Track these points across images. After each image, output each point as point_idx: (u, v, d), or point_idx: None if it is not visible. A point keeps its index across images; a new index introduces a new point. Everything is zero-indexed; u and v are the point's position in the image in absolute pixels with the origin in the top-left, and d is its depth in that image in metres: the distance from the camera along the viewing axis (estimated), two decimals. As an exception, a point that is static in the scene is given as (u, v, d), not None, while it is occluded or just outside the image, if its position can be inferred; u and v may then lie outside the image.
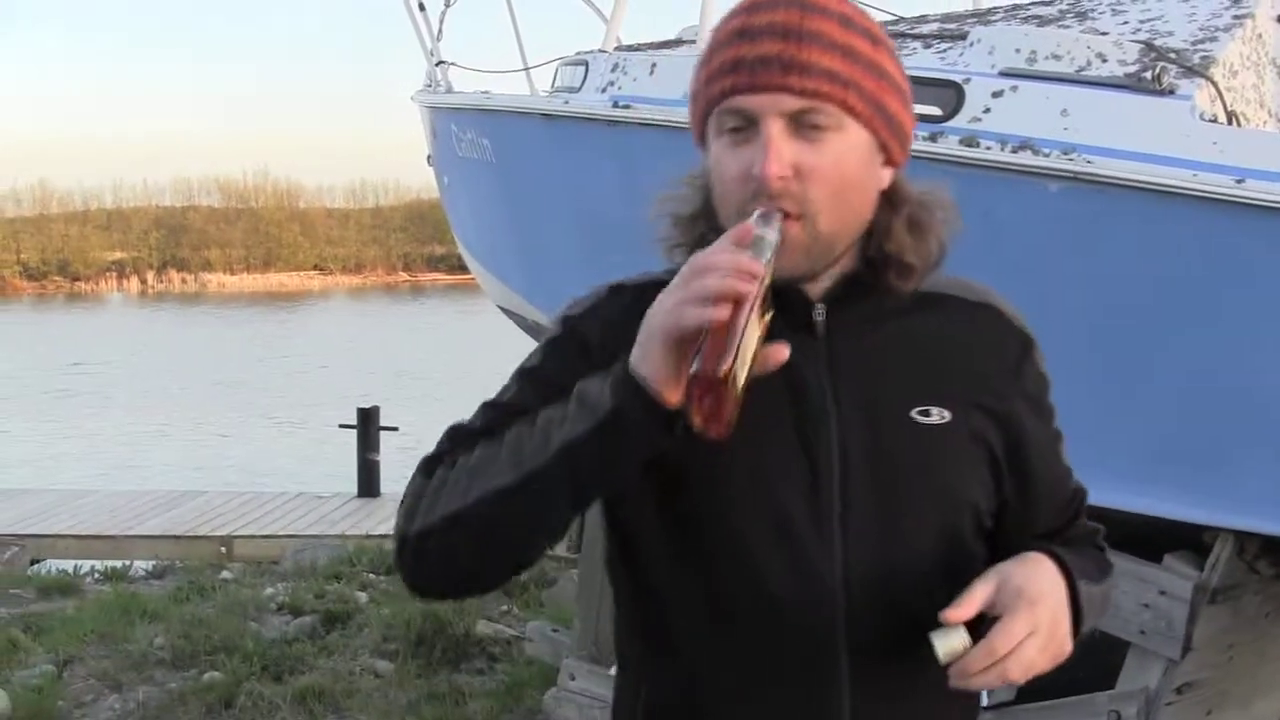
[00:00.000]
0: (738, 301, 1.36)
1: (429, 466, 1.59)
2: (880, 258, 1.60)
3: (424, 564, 1.56)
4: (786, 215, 1.49)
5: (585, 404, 1.47)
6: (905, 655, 1.56)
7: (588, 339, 1.62)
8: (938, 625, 1.51)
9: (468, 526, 1.51)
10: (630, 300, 1.60)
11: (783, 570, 1.57)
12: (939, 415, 1.60)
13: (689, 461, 1.55)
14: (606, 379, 1.46)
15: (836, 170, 1.52)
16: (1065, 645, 1.55)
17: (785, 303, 1.53)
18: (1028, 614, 1.50)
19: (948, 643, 1.49)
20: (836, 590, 1.57)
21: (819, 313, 1.60)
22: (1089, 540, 1.78)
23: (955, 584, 1.55)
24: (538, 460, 1.48)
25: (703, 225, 1.61)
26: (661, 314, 1.41)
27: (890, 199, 1.60)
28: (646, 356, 1.42)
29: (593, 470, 1.48)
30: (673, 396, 1.41)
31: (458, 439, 1.61)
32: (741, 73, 1.50)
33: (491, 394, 1.67)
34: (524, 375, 1.65)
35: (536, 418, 1.52)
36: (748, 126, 1.52)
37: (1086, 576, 1.62)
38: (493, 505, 1.50)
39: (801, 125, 1.50)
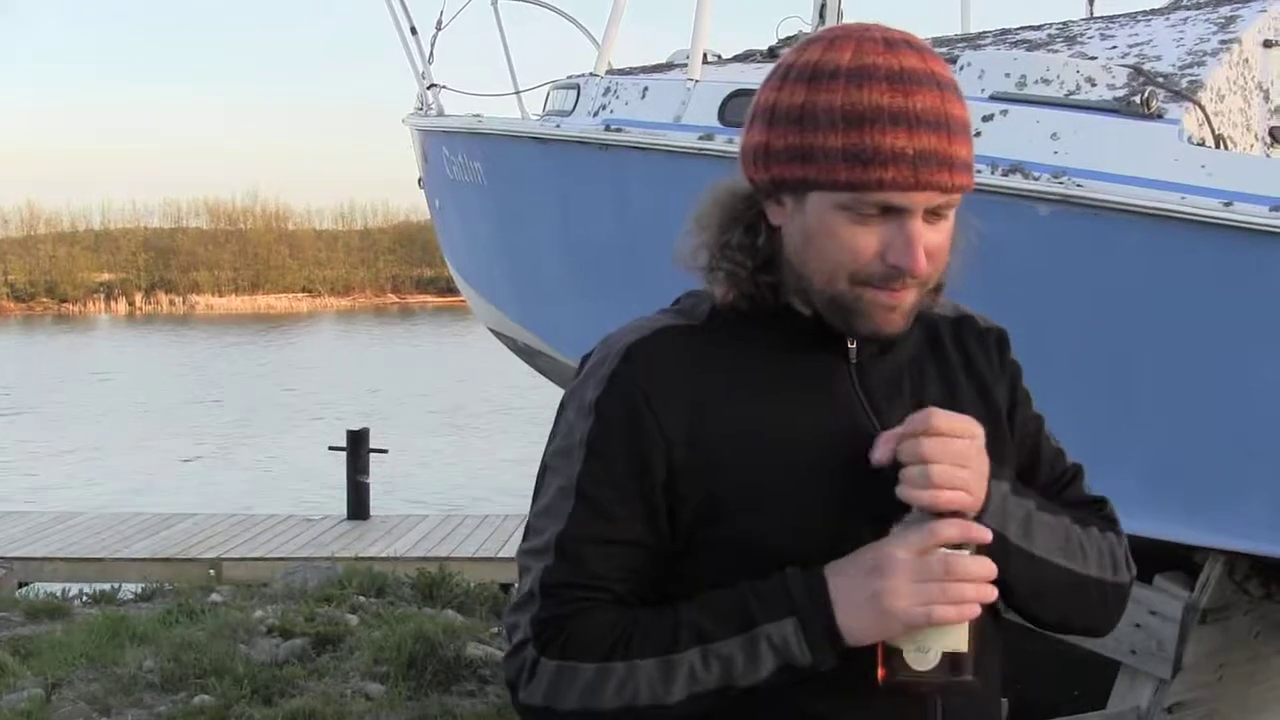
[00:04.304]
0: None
1: (542, 634, 1.58)
2: None
3: None
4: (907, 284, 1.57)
5: (773, 646, 1.51)
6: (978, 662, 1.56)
7: (633, 427, 1.59)
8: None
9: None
10: (652, 365, 1.62)
11: None
12: None
13: (759, 511, 1.58)
14: (796, 624, 1.50)
15: (949, 242, 1.60)
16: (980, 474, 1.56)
17: (825, 333, 1.62)
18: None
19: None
20: None
21: (852, 339, 1.64)
22: (1088, 508, 1.77)
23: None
24: (697, 687, 1.53)
25: (758, 263, 1.63)
26: (907, 603, 1.47)
27: None
28: (868, 624, 1.49)
29: (739, 689, 1.53)
30: (856, 645, 1.50)
31: (556, 593, 1.59)
32: (903, 168, 1.51)
33: (522, 489, 1.68)
34: (582, 489, 1.60)
35: (679, 623, 1.54)
36: (883, 209, 1.54)
37: (1030, 497, 1.65)
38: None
39: (932, 214, 1.56)
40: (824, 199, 1.55)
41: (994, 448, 1.60)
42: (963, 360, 1.74)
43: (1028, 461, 1.76)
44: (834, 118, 1.53)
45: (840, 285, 1.57)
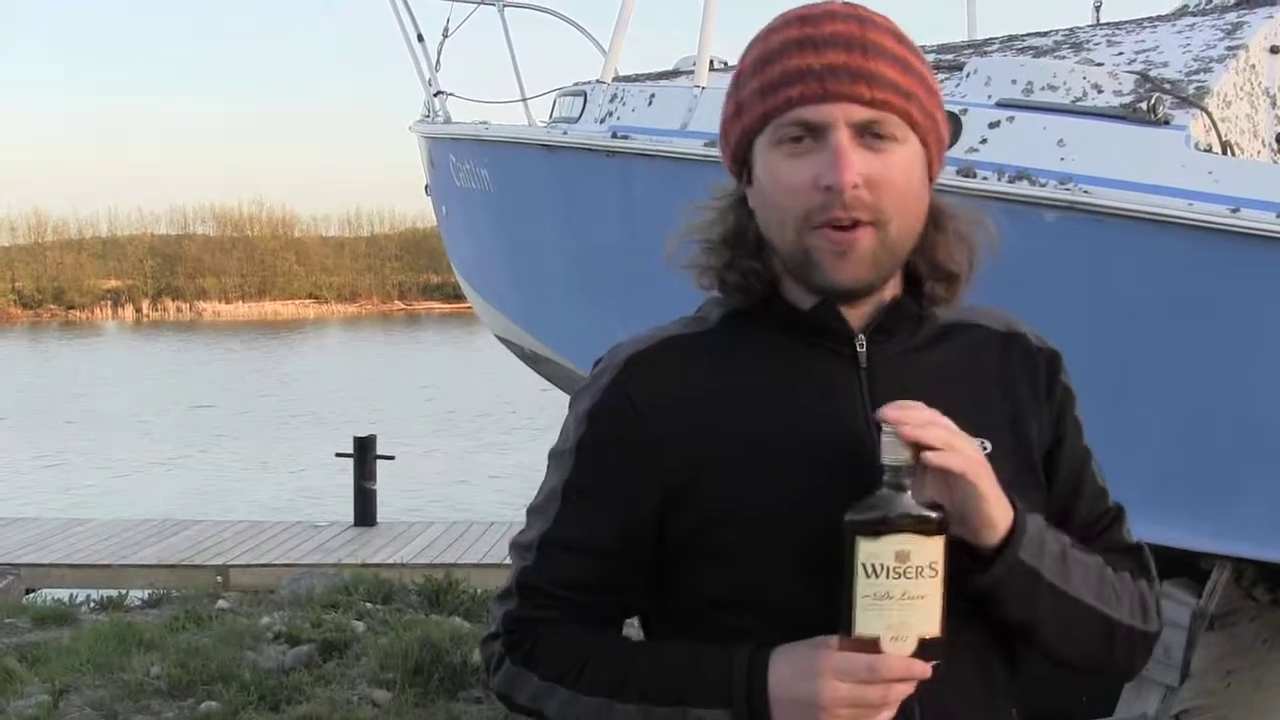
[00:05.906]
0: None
1: (512, 634, 1.64)
2: (928, 270, 1.60)
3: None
4: (857, 224, 1.50)
5: None
6: (967, 682, 1.56)
7: (625, 438, 1.59)
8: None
9: None
10: (651, 377, 1.60)
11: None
12: (982, 445, 1.55)
13: (741, 525, 1.56)
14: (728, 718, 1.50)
15: (904, 178, 1.52)
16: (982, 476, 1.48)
17: (828, 333, 1.58)
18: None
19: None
20: None
21: (860, 343, 1.59)
22: (1124, 554, 1.69)
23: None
24: None
25: (741, 252, 1.60)
26: (838, 709, 1.44)
27: (934, 214, 1.60)
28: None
29: None
30: None
31: (531, 593, 1.64)
32: (810, 82, 1.48)
33: (528, 496, 1.68)
34: (569, 492, 1.62)
35: (630, 670, 1.56)
36: (808, 137, 1.50)
37: (1054, 534, 1.58)
38: None
39: (866, 136, 1.50)
40: (760, 146, 1.55)
41: (1017, 479, 1.56)
42: (1002, 383, 1.66)
43: (1069, 496, 1.68)
44: (753, 68, 1.56)
45: (790, 235, 1.53)
